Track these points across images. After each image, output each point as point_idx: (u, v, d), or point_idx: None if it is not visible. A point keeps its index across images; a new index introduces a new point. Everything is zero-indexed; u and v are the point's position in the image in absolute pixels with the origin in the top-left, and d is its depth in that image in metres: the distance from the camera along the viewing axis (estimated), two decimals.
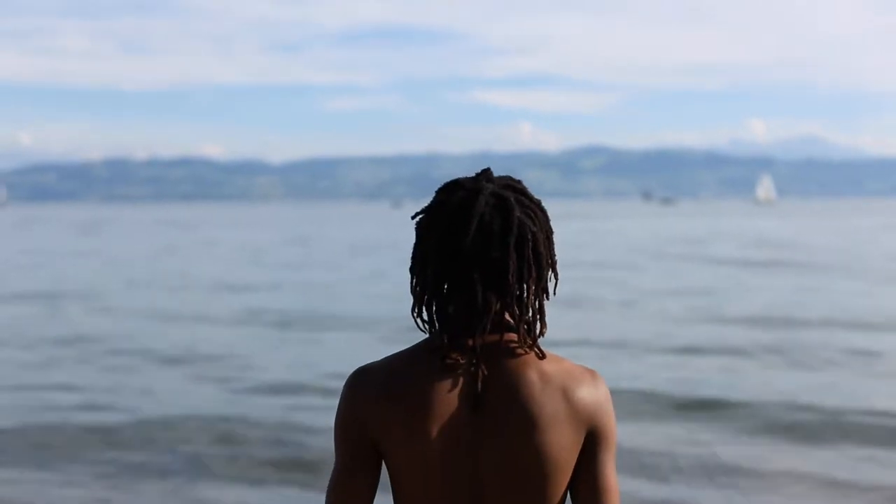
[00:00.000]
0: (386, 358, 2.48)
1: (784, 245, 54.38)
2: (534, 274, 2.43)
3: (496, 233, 2.40)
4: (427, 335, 2.50)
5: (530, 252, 2.42)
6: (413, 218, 2.52)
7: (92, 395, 14.65)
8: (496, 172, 2.48)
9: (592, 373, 2.46)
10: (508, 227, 2.40)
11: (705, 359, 17.86)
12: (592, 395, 2.41)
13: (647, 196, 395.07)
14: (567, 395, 2.38)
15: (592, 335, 20.18)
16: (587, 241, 59.64)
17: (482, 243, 2.39)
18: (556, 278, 2.50)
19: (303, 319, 23.62)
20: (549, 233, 2.49)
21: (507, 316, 2.45)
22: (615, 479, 2.43)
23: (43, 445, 11.71)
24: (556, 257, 2.51)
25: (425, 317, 2.49)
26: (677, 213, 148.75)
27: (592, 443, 2.42)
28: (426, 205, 2.51)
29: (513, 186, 2.48)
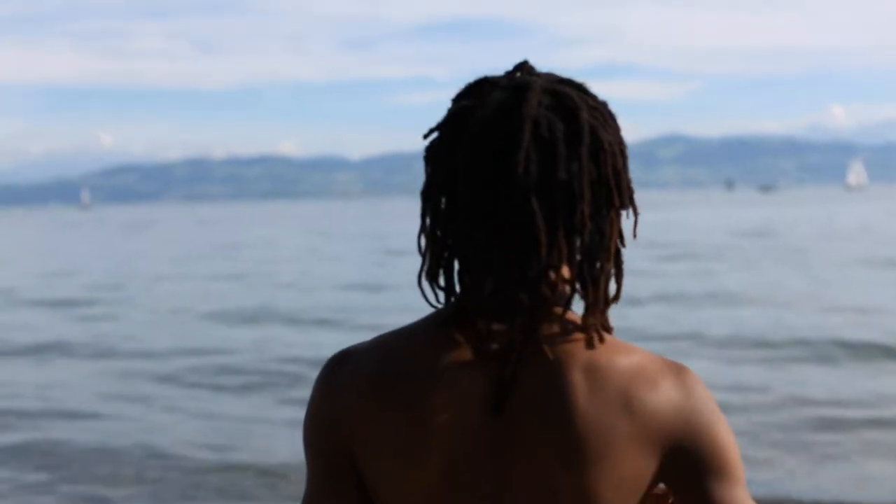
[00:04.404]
0: (378, 337, 1.78)
1: None
2: (616, 203, 1.70)
3: (560, 143, 1.66)
4: (436, 308, 1.77)
5: (610, 171, 1.68)
6: (425, 137, 1.77)
7: None
8: None
9: (677, 368, 1.70)
10: (577, 136, 1.66)
11: None
12: (672, 400, 1.66)
13: (729, 185, 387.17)
14: (630, 404, 1.64)
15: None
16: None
17: (541, 160, 1.65)
18: (637, 213, 1.76)
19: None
20: (623, 146, 1.73)
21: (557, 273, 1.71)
22: None
23: None
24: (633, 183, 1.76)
25: (441, 280, 1.75)
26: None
27: (690, 468, 1.65)
28: (442, 119, 1.76)
29: (569, 81, 1.75)
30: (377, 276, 31.60)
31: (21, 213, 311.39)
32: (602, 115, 1.71)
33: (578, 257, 1.69)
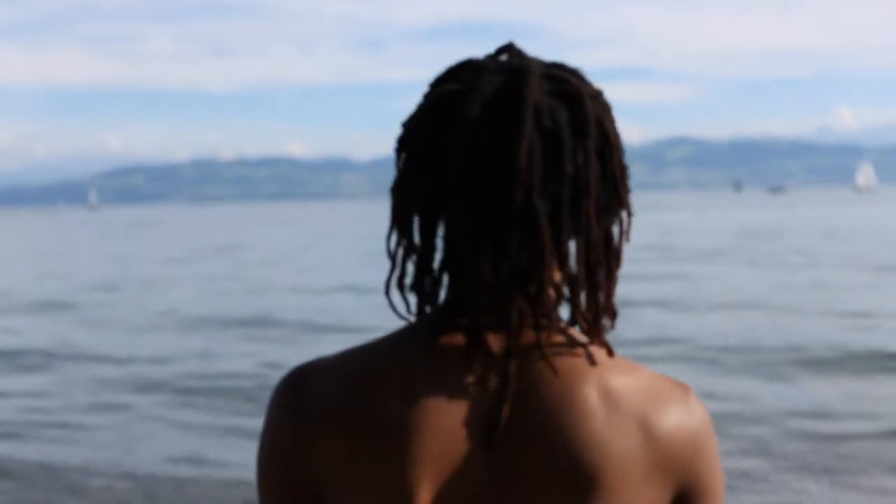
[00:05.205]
0: (344, 353, 1.53)
1: None
2: (623, 201, 1.52)
3: (566, 133, 1.45)
4: (407, 320, 1.55)
5: (616, 165, 1.50)
6: (405, 126, 1.54)
7: None
8: None
9: (684, 388, 1.53)
10: (583, 125, 1.47)
11: None
12: (686, 426, 1.48)
13: (737, 186, 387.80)
14: (648, 429, 1.45)
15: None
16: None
17: (545, 152, 1.44)
18: (631, 214, 1.55)
19: None
20: (621, 139, 1.54)
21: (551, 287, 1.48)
22: None
23: None
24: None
25: (419, 288, 1.52)
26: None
27: (693, 500, 1.49)
28: (419, 106, 1.54)
29: (563, 65, 1.55)
30: (374, 279, 31.09)
31: (28, 213, 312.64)
32: (602, 105, 1.52)
33: (583, 261, 1.49)
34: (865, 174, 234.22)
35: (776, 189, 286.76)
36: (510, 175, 1.42)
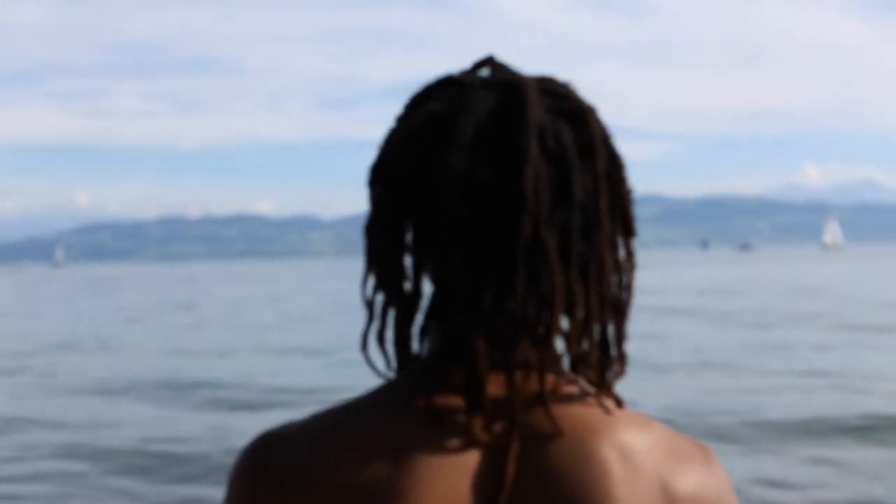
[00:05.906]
0: (315, 417, 1.32)
1: None
2: (633, 230, 1.37)
3: (573, 155, 1.30)
4: (386, 377, 1.38)
5: (625, 189, 1.36)
6: (380, 154, 1.37)
7: None
8: None
9: (702, 448, 1.35)
10: (589, 146, 1.32)
11: None
12: (710, 488, 1.31)
13: (704, 245, 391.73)
14: (668, 491, 1.27)
15: None
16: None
17: (551, 178, 1.28)
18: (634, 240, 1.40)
19: None
20: (624, 158, 1.39)
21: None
22: None
23: None
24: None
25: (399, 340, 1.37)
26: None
27: None
28: (396, 131, 1.36)
29: (554, 79, 1.39)
30: (334, 338, 30.77)
31: None
32: (601, 121, 1.37)
33: (596, 299, 1.33)
34: (832, 232, 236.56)
35: (744, 246, 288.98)
36: (515, 205, 1.26)
